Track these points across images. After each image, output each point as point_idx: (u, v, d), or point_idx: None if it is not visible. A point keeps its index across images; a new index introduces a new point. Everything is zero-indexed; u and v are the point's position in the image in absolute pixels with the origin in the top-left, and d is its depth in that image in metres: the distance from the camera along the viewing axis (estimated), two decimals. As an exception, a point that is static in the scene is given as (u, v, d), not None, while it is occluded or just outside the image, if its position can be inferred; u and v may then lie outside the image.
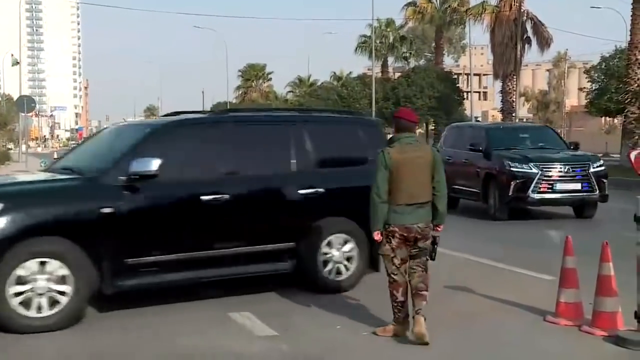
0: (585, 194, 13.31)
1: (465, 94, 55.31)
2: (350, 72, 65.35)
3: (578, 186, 13.27)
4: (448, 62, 74.59)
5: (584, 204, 13.62)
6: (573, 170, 13.30)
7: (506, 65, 38.13)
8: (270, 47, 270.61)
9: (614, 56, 35.00)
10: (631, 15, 27.50)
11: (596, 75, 36.18)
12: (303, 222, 7.22)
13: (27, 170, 22.39)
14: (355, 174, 7.59)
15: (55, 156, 23.65)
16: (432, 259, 5.79)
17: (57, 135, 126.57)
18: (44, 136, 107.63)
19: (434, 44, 55.52)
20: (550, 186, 13.14)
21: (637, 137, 26.77)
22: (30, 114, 44.72)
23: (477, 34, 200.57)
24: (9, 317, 5.89)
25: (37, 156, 41.21)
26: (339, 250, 7.38)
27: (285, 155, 7.36)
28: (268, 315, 6.48)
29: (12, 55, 50.43)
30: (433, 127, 50.19)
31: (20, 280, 5.91)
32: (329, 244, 7.33)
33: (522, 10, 37.44)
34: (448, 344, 5.72)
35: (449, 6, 47.34)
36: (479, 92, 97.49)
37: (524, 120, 59.47)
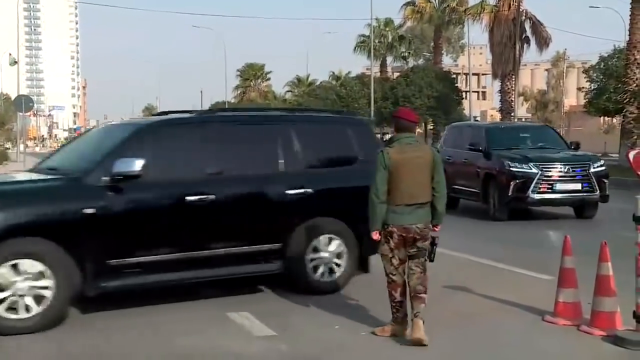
0: (585, 194, 13.26)
1: (464, 93, 55.26)
2: (349, 72, 65.46)
3: (578, 186, 13.22)
4: (447, 61, 74.77)
5: (584, 204, 13.57)
6: (573, 170, 13.25)
7: (505, 65, 38.10)
8: (269, 46, 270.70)
9: (612, 56, 34.97)
10: (630, 15, 27.52)
11: (595, 75, 36.14)
12: (291, 223, 7.13)
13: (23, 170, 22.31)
14: (345, 174, 7.57)
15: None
16: (432, 260, 5.76)
17: (55, 135, 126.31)
18: (42, 136, 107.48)
19: (432, 44, 55.50)
20: (550, 186, 13.09)
21: (635, 137, 26.79)
22: (28, 113, 44.71)
23: (476, 34, 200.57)
24: None
25: (35, 156, 41.10)
26: (327, 251, 7.29)
27: (273, 155, 7.26)
28: (266, 315, 6.47)
29: (10, 54, 50.35)
30: (432, 127, 50.22)
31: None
32: (317, 245, 7.24)
33: (520, 9, 37.41)
34: (447, 343, 5.71)
35: (448, 6, 47.32)
36: (477, 92, 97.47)
37: (523, 119, 59.49)
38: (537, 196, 13.09)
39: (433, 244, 5.72)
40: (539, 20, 38.54)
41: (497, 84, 42.34)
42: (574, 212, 13.96)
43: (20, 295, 5.91)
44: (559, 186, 13.14)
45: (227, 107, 46.52)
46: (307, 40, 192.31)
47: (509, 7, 37.28)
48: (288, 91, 74.21)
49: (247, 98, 72.03)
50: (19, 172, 9.76)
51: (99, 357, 5.59)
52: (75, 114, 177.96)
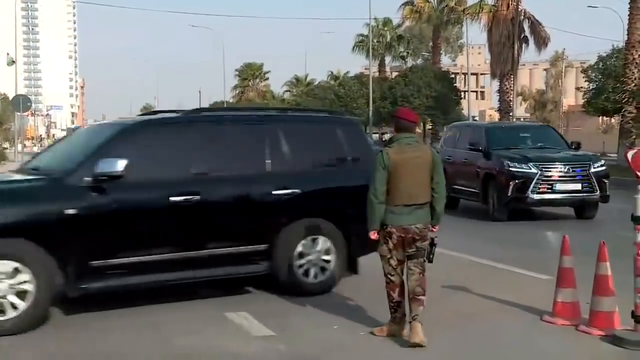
0: (585, 194, 13.21)
1: (462, 93, 55.24)
2: (347, 72, 65.46)
3: (578, 186, 13.17)
4: (445, 61, 74.82)
5: (584, 204, 13.53)
6: (573, 170, 13.20)
7: (503, 65, 38.09)
8: (268, 46, 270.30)
9: (611, 56, 34.97)
10: (628, 15, 27.55)
11: (593, 74, 36.14)
12: (277, 224, 7.04)
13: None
14: (333, 174, 7.52)
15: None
16: (430, 261, 5.73)
17: (54, 135, 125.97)
18: (40, 135, 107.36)
19: (431, 43, 55.59)
20: (549, 186, 13.04)
21: (634, 137, 26.78)
22: (26, 113, 44.59)
23: (475, 34, 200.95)
24: None
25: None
26: (315, 252, 7.20)
27: (260, 155, 7.17)
28: (265, 315, 6.47)
29: (7, 54, 50.23)
30: (430, 127, 50.24)
31: None
32: (305, 246, 7.15)
33: (519, 9, 37.41)
34: (446, 343, 5.71)
35: (446, 5, 47.38)
36: (476, 92, 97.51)
37: (522, 119, 59.51)
38: (536, 196, 13.04)
39: (432, 244, 5.69)
40: (537, 20, 38.55)
41: (495, 84, 42.31)
42: (574, 212, 13.93)
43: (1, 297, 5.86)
44: (558, 186, 13.09)
45: (225, 106, 46.51)
46: (306, 40, 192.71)
47: (508, 6, 37.27)
48: (286, 91, 74.23)
49: (246, 98, 71.99)
50: (1, 173, 9.66)
51: (97, 357, 5.58)
52: (73, 114, 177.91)
